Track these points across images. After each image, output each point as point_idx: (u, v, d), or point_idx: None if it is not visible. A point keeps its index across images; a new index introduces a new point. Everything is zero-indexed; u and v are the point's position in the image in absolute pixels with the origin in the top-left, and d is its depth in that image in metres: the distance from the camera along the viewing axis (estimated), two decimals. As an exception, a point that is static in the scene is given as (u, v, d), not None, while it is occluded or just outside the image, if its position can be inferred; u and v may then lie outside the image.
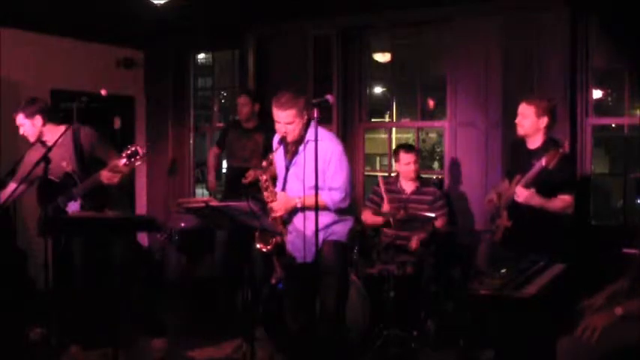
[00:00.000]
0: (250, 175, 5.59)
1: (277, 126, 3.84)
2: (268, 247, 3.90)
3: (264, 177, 3.91)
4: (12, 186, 4.50)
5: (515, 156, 4.53)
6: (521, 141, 4.40)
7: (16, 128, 5.50)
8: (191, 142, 7.60)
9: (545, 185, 4.10)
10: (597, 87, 5.68)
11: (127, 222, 4.31)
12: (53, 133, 4.42)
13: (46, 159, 3.89)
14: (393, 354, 4.64)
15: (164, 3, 5.16)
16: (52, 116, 4.53)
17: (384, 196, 5.24)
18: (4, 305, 5.18)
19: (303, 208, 3.80)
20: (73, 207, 4.42)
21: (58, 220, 4.35)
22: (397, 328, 4.71)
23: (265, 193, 3.92)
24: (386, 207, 5.18)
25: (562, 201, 4.17)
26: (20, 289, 5.53)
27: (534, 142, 4.30)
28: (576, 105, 5.41)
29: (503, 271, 3.54)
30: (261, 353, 4.48)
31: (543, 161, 3.98)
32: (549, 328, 3.33)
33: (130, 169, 4.34)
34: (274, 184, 4.00)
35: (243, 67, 6.85)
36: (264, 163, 3.90)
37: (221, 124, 7.60)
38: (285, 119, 3.77)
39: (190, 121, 7.58)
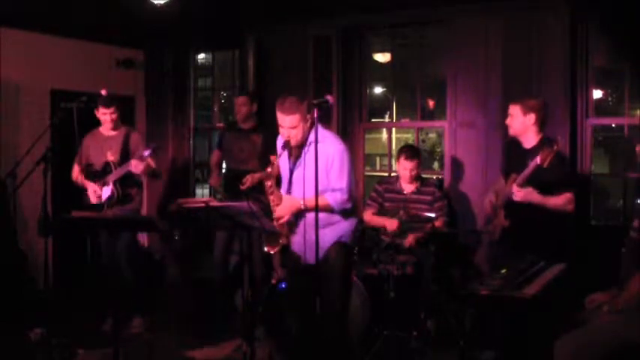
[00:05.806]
0: (248, 180, 5.51)
1: (281, 130, 3.84)
2: (276, 248, 3.92)
3: (269, 183, 3.93)
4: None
5: (511, 155, 4.56)
6: (517, 140, 4.42)
7: (17, 128, 5.51)
8: (191, 142, 7.60)
9: (541, 184, 4.12)
10: (597, 87, 5.68)
11: (127, 222, 4.33)
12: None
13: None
14: (393, 354, 4.64)
15: (164, 3, 5.16)
16: None
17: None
18: (4, 305, 5.18)
19: (308, 210, 3.79)
20: (106, 192, 5.04)
21: (60, 220, 4.41)
22: (397, 329, 4.71)
23: (271, 197, 3.94)
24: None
25: (563, 197, 4.18)
26: (20, 289, 5.53)
27: (529, 141, 4.33)
28: (576, 105, 5.41)
29: (503, 271, 3.55)
30: (261, 353, 4.48)
31: (538, 159, 4.00)
32: (549, 328, 3.33)
33: (153, 161, 5.10)
34: (279, 188, 4.00)
35: (243, 67, 6.84)
36: (268, 169, 3.91)
37: (221, 125, 7.59)
38: (290, 124, 3.78)
39: (190, 121, 7.57)
